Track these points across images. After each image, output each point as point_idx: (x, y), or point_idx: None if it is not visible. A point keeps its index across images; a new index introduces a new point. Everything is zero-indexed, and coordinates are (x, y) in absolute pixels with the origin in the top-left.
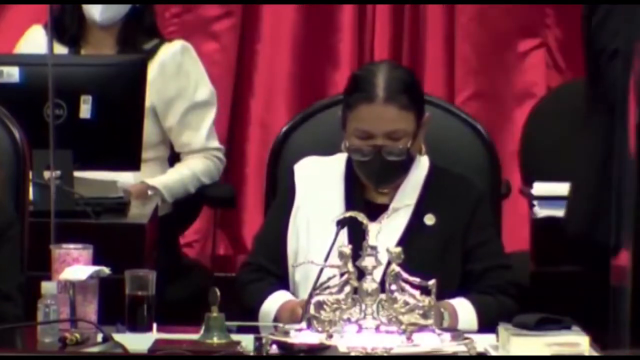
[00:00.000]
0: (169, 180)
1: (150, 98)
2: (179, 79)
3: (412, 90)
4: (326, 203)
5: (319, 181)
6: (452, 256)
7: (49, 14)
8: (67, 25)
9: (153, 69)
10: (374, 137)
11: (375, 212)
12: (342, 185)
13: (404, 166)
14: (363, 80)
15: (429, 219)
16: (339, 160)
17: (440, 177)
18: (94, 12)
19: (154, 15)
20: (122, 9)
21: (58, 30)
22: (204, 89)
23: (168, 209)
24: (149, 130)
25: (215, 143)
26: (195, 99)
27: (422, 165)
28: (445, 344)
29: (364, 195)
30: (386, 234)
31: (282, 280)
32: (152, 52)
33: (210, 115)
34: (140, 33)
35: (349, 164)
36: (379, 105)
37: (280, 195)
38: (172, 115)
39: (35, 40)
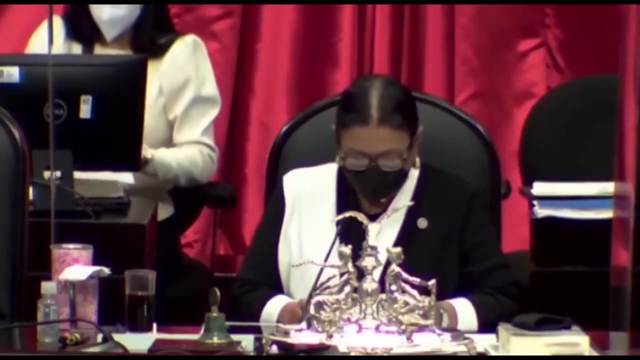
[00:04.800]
0: (165, 156)
1: (163, 93)
2: (188, 69)
3: (406, 108)
4: (318, 213)
5: (310, 192)
6: (448, 258)
7: (49, 14)
8: (81, 25)
9: (165, 63)
10: (369, 156)
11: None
12: (334, 195)
13: (398, 180)
14: (357, 99)
15: (422, 223)
16: (329, 171)
17: (432, 179)
18: (105, 32)
19: (166, 9)
20: (129, 19)
21: (74, 28)
22: (210, 87)
23: (169, 213)
24: (158, 127)
25: (209, 140)
26: (201, 92)
27: (413, 174)
28: (445, 344)
29: (357, 206)
30: (381, 238)
31: (277, 291)
32: (166, 47)
33: (212, 113)
34: (153, 30)
35: (341, 174)
36: (373, 127)
37: (269, 207)
38: (177, 106)
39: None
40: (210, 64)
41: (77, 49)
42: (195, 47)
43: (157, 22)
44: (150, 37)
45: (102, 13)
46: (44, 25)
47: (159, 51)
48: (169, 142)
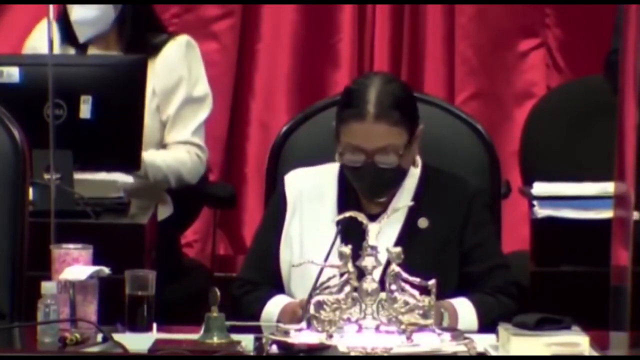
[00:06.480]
0: (154, 158)
1: (156, 94)
2: (181, 69)
3: (404, 105)
4: (319, 213)
5: (311, 192)
6: (448, 258)
7: (48, 14)
8: (69, 28)
9: (158, 63)
10: (366, 151)
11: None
12: (335, 194)
13: (396, 177)
14: (355, 95)
15: (422, 223)
16: (331, 170)
17: (433, 179)
18: (78, 34)
19: (151, 9)
20: (103, 21)
21: (67, 31)
22: (202, 87)
23: (169, 213)
24: (153, 128)
25: (199, 140)
26: (193, 92)
27: (414, 174)
28: (445, 344)
29: (358, 206)
30: (381, 238)
31: (277, 290)
32: (159, 47)
33: (203, 113)
34: (141, 29)
35: (342, 173)
36: (369, 122)
37: (269, 207)
38: (170, 107)
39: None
40: (202, 65)
41: (72, 53)
42: (188, 47)
43: (147, 22)
44: (139, 37)
45: (72, 14)
46: (43, 24)
47: (152, 52)
48: (163, 143)
